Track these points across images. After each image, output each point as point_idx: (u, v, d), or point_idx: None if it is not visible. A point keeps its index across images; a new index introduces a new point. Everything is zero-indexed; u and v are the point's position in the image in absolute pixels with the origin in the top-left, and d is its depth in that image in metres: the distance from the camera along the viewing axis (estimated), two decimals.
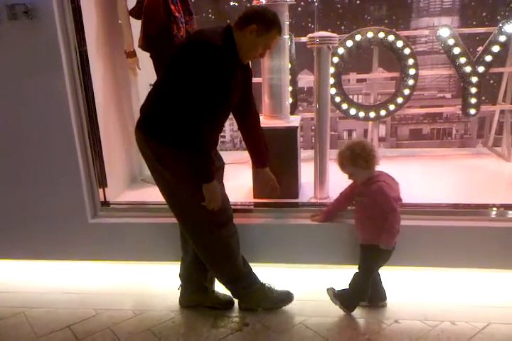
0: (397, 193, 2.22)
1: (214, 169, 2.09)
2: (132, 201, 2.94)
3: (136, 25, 3.08)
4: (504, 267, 2.46)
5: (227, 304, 2.45)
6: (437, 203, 2.62)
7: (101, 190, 2.77)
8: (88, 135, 2.66)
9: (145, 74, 3.34)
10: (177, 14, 3.01)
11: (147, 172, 3.56)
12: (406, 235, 2.36)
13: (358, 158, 2.19)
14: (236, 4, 4.01)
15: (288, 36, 3.03)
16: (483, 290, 2.47)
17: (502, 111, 3.73)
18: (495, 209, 2.57)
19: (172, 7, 2.97)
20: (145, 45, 3.04)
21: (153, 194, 3.16)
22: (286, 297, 2.42)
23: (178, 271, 2.47)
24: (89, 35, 2.68)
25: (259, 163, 2.43)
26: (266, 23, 2.02)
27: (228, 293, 2.43)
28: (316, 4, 3.86)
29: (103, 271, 2.87)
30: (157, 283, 2.73)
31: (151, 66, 3.11)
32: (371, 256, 2.27)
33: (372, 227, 2.23)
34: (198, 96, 1.93)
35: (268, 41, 2.06)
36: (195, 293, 2.45)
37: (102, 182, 2.77)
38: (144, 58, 3.15)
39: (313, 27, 3.22)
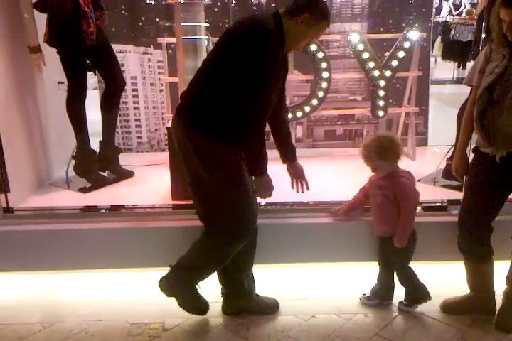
0: (417, 195, 2.24)
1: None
2: (39, 207, 2.75)
3: (41, 18, 2.89)
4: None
5: (273, 308, 2.35)
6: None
7: (2, 196, 2.56)
8: None
9: (52, 70, 3.15)
10: (86, 9, 2.87)
11: (56, 175, 3.39)
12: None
13: (387, 152, 2.16)
14: (153, 2, 3.91)
15: (205, 37, 3.01)
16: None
17: (407, 113, 3.98)
18: None
19: (81, 1, 2.83)
20: (51, 40, 2.86)
21: (62, 198, 3.00)
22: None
23: (218, 278, 2.31)
24: None
25: (288, 157, 2.29)
26: (319, 13, 1.96)
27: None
28: (233, 5, 3.86)
29: (4, 283, 2.64)
30: (68, 292, 2.57)
31: (58, 62, 2.94)
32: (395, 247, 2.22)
33: (392, 219, 2.21)
34: (259, 85, 1.86)
35: (318, 32, 2.01)
36: (240, 298, 2.32)
37: (4, 188, 2.56)
38: (51, 54, 2.96)
39: None
